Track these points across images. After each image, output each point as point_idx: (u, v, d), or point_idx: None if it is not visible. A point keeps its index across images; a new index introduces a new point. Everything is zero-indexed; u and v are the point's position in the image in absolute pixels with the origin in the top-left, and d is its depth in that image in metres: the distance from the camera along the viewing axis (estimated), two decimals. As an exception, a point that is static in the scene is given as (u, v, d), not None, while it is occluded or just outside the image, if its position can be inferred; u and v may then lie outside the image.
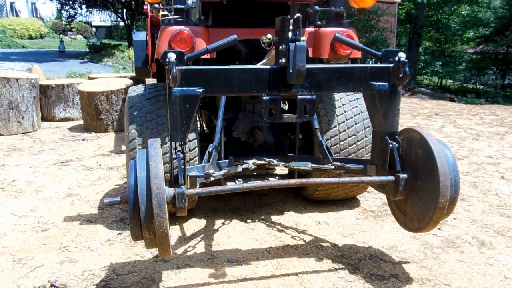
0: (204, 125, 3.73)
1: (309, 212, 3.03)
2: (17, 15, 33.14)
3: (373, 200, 3.30)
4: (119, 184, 3.62)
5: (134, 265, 2.30)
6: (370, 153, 2.36)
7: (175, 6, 2.56)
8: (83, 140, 5.39)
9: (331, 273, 2.22)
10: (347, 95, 2.89)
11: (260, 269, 2.26)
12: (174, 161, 1.91)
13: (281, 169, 3.26)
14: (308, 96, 1.95)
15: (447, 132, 6.14)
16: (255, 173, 2.95)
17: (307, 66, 1.85)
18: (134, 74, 7.09)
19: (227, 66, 1.88)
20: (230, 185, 2.00)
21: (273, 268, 2.27)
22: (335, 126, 2.76)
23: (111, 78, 7.02)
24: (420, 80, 18.39)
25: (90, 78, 7.71)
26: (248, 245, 2.53)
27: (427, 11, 16.54)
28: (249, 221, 2.87)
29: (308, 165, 2.48)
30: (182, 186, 1.84)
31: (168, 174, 2.26)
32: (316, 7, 2.72)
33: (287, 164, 2.56)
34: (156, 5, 2.62)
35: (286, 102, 3.20)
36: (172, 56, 1.76)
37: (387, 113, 2.03)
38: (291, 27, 1.83)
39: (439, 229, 2.75)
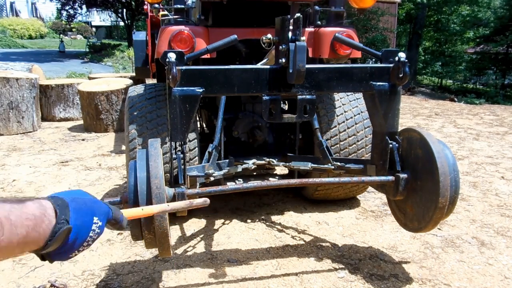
0: (204, 125, 3.73)
1: (309, 212, 3.03)
2: (17, 15, 33.15)
3: (373, 200, 3.30)
4: (119, 184, 3.62)
5: (134, 265, 2.30)
6: (370, 153, 2.36)
7: (175, 6, 2.56)
8: (83, 140, 5.39)
9: (331, 273, 2.22)
10: (347, 95, 2.89)
11: (260, 269, 2.26)
12: (174, 161, 1.90)
13: (281, 169, 3.26)
14: (308, 96, 1.95)
15: (447, 132, 6.14)
16: (255, 173, 2.95)
17: (307, 66, 1.84)
18: (134, 74, 7.09)
19: (227, 66, 1.88)
20: (230, 185, 2.00)
21: (273, 268, 2.27)
22: (335, 126, 2.76)
23: (111, 78, 7.02)
24: (420, 80, 18.38)
25: (90, 78, 7.71)
26: (248, 245, 2.53)
27: (427, 11, 16.54)
28: (249, 221, 2.87)
29: (308, 165, 2.48)
30: (182, 186, 1.84)
31: (168, 174, 2.26)
32: (316, 7, 2.72)
33: (287, 164, 2.56)
34: (156, 5, 2.62)
35: (286, 102, 3.20)
36: (172, 56, 1.76)
37: (387, 113, 2.03)
38: (291, 27, 1.83)
39: (439, 229, 2.75)
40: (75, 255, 0.93)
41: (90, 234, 0.92)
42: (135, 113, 2.50)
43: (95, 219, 0.93)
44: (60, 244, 0.86)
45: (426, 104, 9.97)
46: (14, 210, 0.76)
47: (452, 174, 1.87)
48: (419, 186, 1.96)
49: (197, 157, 2.52)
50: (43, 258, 0.89)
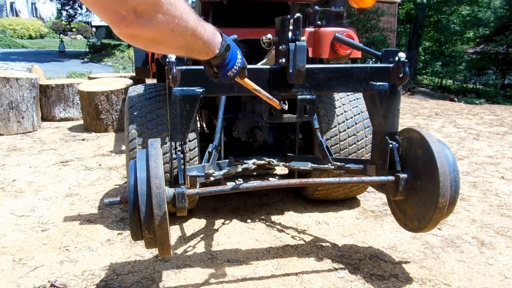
0: (204, 125, 3.73)
1: (309, 212, 3.03)
2: (17, 15, 33.14)
3: (373, 200, 3.30)
4: (119, 184, 3.62)
5: (134, 265, 2.30)
6: (370, 153, 2.36)
7: (175, 6, 2.56)
8: (83, 140, 5.39)
9: (331, 273, 2.22)
10: (347, 95, 2.89)
11: (260, 269, 2.26)
12: (174, 161, 1.90)
13: (281, 169, 3.26)
14: (308, 96, 1.95)
15: (447, 132, 6.14)
16: (255, 173, 2.95)
17: (307, 66, 1.85)
18: (134, 74, 7.09)
19: None
20: (230, 185, 2.00)
21: (273, 268, 2.27)
22: (335, 126, 2.76)
23: (111, 78, 7.02)
24: (420, 80, 18.39)
25: (90, 78, 7.71)
26: (248, 245, 2.53)
27: (427, 11, 16.54)
28: (249, 221, 2.87)
29: (308, 165, 2.47)
30: (182, 186, 1.84)
31: (168, 174, 2.26)
32: (316, 7, 2.72)
33: (287, 164, 2.56)
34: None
35: (286, 102, 3.20)
36: (172, 56, 1.76)
37: (387, 113, 2.03)
38: (291, 27, 1.83)
39: (439, 229, 2.75)
40: (228, 77, 1.28)
41: (236, 63, 1.26)
42: (135, 113, 2.50)
43: (239, 55, 1.28)
44: (222, 60, 1.21)
45: (426, 104, 9.98)
46: (201, 20, 1.04)
47: (452, 174, 1.87)
48: (419, 186, 1.96)
49: (197, 157, 2.52)
50: (215, 73, 1.27)
